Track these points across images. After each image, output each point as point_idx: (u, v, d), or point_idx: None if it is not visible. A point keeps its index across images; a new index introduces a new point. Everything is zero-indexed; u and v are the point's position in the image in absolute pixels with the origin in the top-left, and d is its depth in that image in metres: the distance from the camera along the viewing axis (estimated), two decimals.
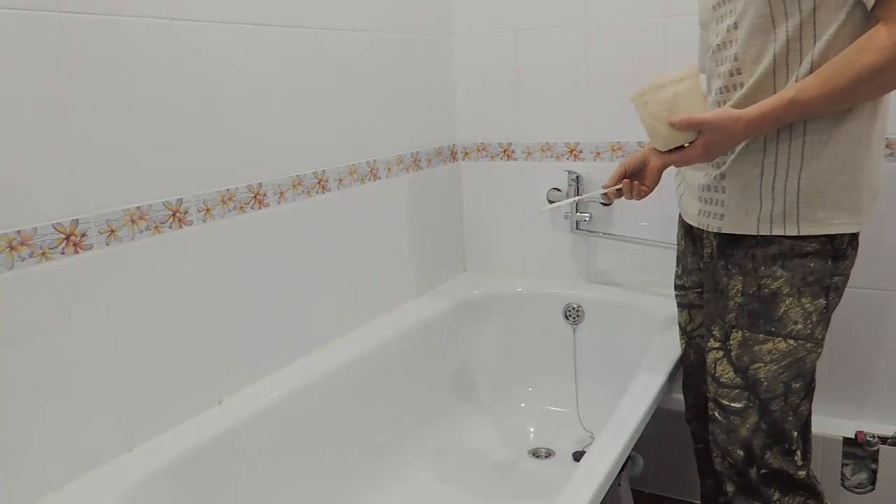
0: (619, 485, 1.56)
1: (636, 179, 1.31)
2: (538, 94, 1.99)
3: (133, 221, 1.20)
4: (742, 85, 1.11)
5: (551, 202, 2.00)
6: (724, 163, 1.15)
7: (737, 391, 1.17)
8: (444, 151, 2.08)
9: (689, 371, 1.45)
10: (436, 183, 2.05)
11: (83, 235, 1.12)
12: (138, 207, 1.20)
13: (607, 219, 1.97)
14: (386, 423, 1.69)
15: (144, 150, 1.21)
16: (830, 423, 1.67)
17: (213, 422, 1.30)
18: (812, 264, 1.10)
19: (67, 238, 1.10)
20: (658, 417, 1.42)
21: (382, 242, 1.83)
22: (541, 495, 1.65)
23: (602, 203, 1.94)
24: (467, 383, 2.00)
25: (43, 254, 1.07)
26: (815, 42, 1.03)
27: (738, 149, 1.12)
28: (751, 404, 1.16)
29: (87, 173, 1.12)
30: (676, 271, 1.44)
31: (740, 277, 1.15)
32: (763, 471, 1.17)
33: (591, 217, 1.97)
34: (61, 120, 1.08)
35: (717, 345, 1.20)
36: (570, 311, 1.98)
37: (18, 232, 1.03)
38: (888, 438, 1.60)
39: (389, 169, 1.84)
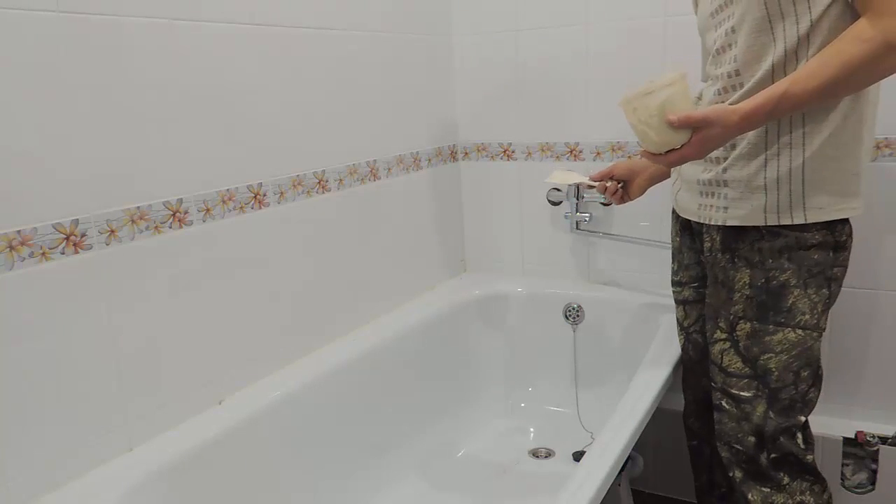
0: (619, 485, 1.56)
1: (622, 187, 1.47)
2: (538, 94, 1.99)
3: (133, 221, 1.20)
4: (741, 85, 1.14)
5: (552, 202, 2.01)
6: (727, 158, 1.18)
7: (746, 380, 1.20)
8: (444, 151, 2.08)
9: (688, 367, 1.47)
10: (436, 183, 2.05)
11: (83, 235, 1.12)
12: (138, 207, 1.20)
13: (607, 219, 1.97)
14: (386, 424, 1.69)
15: (144, 150, 1.21)
16: (830, 423, 1.67)
17: (213, 422, 1.30)
18: (816, 256, 1.14)
19: (67, 238, 1.10)
20: (658, 417, 1.42)
21: (382, 242, 1.83)
22: (541, 495, 1.65)
23: (602, 203, 1.94)
24: (467, 383, 1.99)
25: (43, 254, 1.07)
26: (809, 44, 1.07)
27: (739, 144, 1.15)
28: (760, 393, 1.19)
29: (87, 173, 1.12)
30: (672, 267, 1.46)
31: (747, 270, 1.18)
32: (773, 455, 1.21)
33: (591, 217, 1.97)
34: (61, 120, 1.08)
35: (723, 336, 1.23)
36: (570, 311, 1.98)
37: (18, 232, 1.03)
38: (888, 438, 1.60)
39: (389, 169, 1.84)
